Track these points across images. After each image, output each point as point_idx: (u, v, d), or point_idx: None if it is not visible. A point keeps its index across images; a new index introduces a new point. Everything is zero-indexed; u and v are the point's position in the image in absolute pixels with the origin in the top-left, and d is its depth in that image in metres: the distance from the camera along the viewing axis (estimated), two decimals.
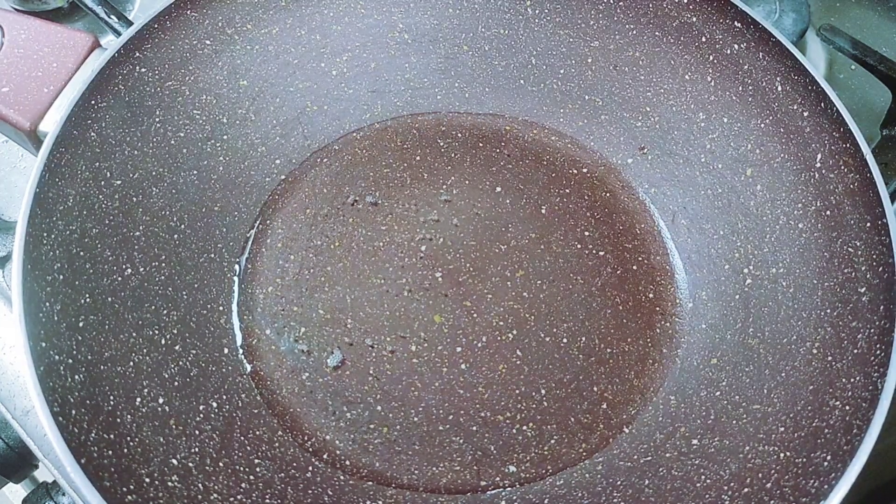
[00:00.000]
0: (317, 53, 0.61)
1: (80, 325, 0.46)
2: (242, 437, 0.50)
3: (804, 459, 0.45)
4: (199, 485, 0.46)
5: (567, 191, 0.62)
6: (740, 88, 0.56)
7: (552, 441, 0.52)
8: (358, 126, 0.63)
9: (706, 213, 0.58)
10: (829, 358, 0.48)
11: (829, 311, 0.49)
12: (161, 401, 0.48)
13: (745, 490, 0.46)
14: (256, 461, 0.49)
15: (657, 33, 0.59)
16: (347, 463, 0.51)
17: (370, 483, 0.50)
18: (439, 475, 0.50)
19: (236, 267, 0.57)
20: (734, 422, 0.49)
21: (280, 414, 0.52)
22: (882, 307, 0.46)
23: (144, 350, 0.49)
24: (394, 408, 0.52)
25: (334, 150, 0.62)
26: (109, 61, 0.51)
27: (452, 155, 0.63)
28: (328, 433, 0.52)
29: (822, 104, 0.51)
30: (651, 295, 0.57)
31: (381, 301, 0.56)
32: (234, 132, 0.58)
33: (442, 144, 0.63)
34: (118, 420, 0.45)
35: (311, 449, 0.51)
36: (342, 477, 0.50)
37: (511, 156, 0.63)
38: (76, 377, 0.44)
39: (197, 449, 0.47)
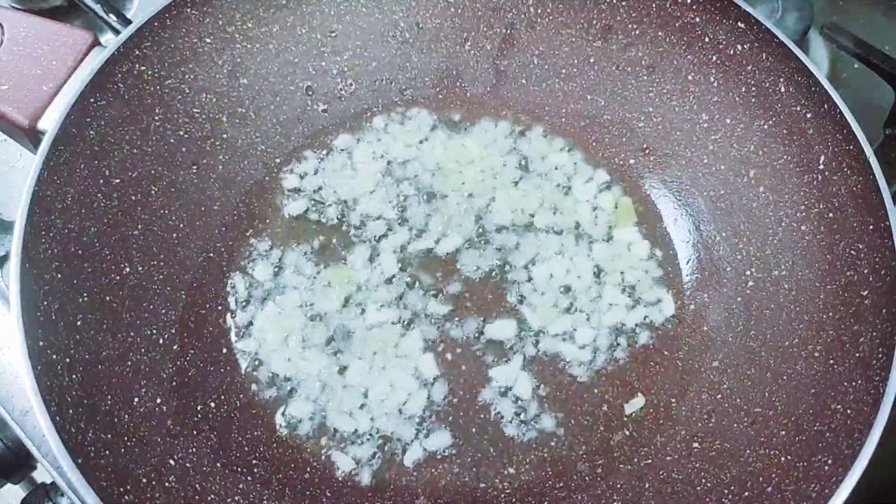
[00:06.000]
0: (317, 52, 0.61)
1: (78, 324, 0.46)
2: (240, 438, 0.49)
3: (805, 463, 0.44)
4: (197, 485, 0.46)
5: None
6: (743, 89, 0.56)
7: (552, 443, 0.52)
8: (358, 125, 0.63)
9: (708, 214, 0.58)
10: (831, 361, 0.47)
11: (831, 314, 0.49)
12: (159, 401, 0.48)
13: (746, 494, 0.46)
14: (254, 462, 0.49)
15: (660, 33, 0.58)
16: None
17: (369, 485, 0.50)
18: (438, 477, 0.50)
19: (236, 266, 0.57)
20: (735, 425, 0.49)
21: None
22: (884, 310, 0.46)
23: (142, 350, 0.49)
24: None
25: (334, 147, 0.62)
26: (108, 59, 0.50)
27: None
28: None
29: (826, 106, 0.51)
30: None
31: None
32: (234, 131, 0.58)
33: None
34: (116, 420, 0.45)
35: (309, 450, 0.51)
36: (341, 479, 0.50)
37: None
38: (74, 377, 0.44)
39: (194, 449, 0.47)
